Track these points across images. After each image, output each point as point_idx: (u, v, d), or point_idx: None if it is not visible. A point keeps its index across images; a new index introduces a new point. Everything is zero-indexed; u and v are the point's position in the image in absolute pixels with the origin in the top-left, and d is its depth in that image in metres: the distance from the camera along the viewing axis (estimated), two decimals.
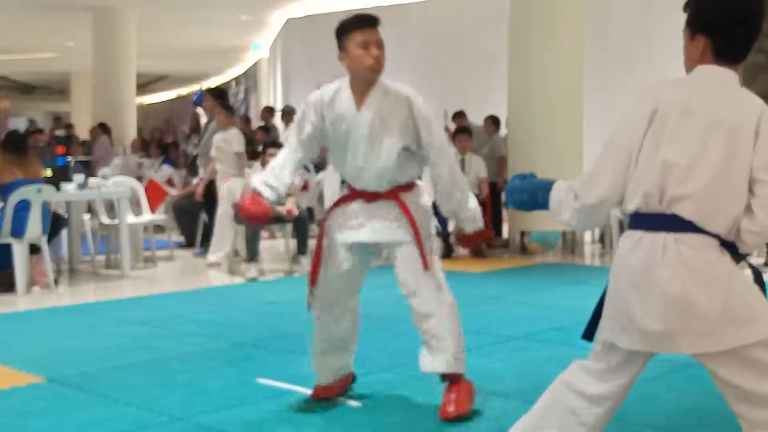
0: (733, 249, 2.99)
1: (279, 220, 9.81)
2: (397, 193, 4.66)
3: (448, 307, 4.70)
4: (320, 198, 13.96)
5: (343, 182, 4.90)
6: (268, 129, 15.36)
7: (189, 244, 12.18)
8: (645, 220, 3.01)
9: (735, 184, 2.94)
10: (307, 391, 4.98)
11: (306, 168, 13.89)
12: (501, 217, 12.03)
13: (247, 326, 6.98)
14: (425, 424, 4.51)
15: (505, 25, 11.98)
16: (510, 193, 3.48)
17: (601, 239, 12.02)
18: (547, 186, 3.35)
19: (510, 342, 6.36)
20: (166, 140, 18.72)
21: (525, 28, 11.54)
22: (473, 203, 4.84)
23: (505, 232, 12.31)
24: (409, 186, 4.72)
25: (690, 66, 3.16)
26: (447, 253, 11.09)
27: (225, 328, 6.89)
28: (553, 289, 8.72)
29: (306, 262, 9.83)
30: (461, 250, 11.69)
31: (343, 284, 4.74)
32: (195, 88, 39.28)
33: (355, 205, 4.70)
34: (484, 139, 13.19)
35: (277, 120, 16.96)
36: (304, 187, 13.09)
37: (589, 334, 3.35)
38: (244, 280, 9.39)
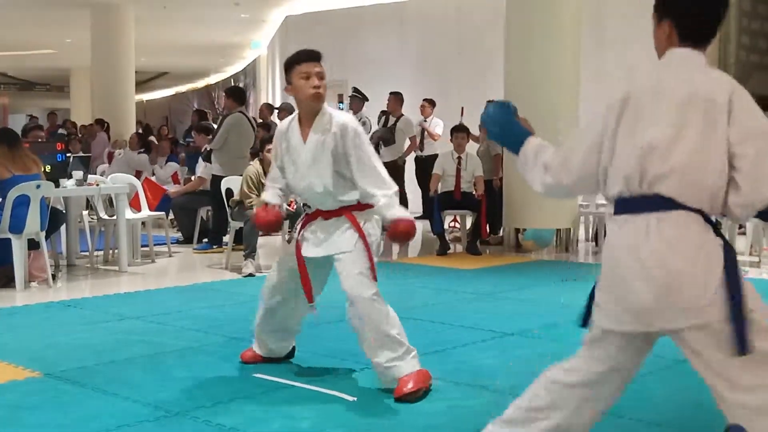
0: (714, 226, 3.05)
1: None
2: (349, 211, 5.07)
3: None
4: None
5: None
6: (267, 126, 15.38)
7: (187, 240, 12.22)
8: (628, 204, 3.08)
9: (714, 158, 2.99)
10: (304, 386, 5.05)
11: None
12: (499, 214, 12.06)
13: (243, 321, 6.98)
14: (420, 418, 4.55)
15: (502, 23, 11.99)
16: (486, 120, 3.52)
17: (595, 237, 12.04)
18: (519, 137, 3.41)
19: (504, 338, 6.40)
20: (166, 137, 18.76)
21: (522, 26, 11.56)
22: (389, 199, 5.04)
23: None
24: (361, 206, 5.09)
25: (660, 51, 3.26)
26: (443, 251, 11.15)
27: (222, 324, 6.94)
28: (547, 287, 8.76)
29: None
30: (457, 248, 11.75)
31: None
32: (194, 85, 39.33)
33: (318, 223, 5.15)
34: (481, 138, 13.25)
35: (275, 117, 16.97)
36: None
37: (584, 321, 3.39)
38: (241, 276, 9.43)
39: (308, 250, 5.13)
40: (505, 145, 3.52)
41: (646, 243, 3.01)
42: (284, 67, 5.17)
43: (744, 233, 11.41)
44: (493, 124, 3.49)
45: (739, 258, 10.36)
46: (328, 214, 5.10)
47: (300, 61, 5.11)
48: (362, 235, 4.99)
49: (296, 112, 5.22)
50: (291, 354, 5.72)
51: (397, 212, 5.00)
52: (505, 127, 3.46)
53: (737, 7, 15.69)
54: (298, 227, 5.26)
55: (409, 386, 4.82)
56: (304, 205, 5.51)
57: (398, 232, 4.96)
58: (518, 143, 3.40)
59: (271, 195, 5.31)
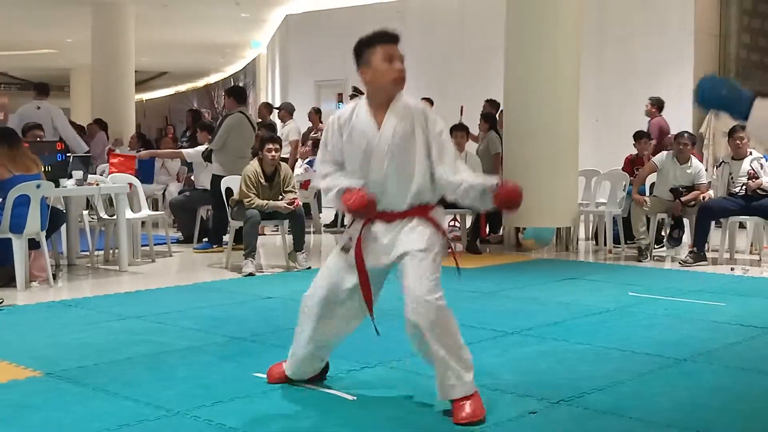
0: None
1: (276, 215, 9.86)
2: (421, 211, 4.65)
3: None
4: (317, 196, 14.07)
5: None
6: (266, 125, 15.40)
7: (187, 239, 12.23)
8: None
9: None
10: (304, 386, 5.06)
11: (314, 167, 13.97)
12: (499, 213, 12.05)
13: (244, 321, 7.03)
14: (420, 418, 4.56)
15: (503, 22, 11.99)
16: (710, 82, 3.46)
17: (595, 236, 12.06)
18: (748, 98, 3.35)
19: (505, 337, 6.40)
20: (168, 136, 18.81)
21: (522, 24, 11.56)
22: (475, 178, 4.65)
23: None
24: (431, 207, 4.70)
25: None
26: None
27: (222, 323, 6.94)
28: (548, 285, 8.77)
29: (302, 258, 9.89)
30: (457, 247, 11.76)
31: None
32: (194, 84, 39.34)
33: (378, 227, 4.67)
34: (480, 137, 13.28)
35: (275, 116, 17.01)
36: (304, 186, 13.18)
37: None
38: (241, 275, 9.44)
39: (374, 260, 4.68)
40: (728, 105, 3.42)
41: None
42: (359, 47, 4.70)
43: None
44: (722, 86, 3.43)
45: (739, 256, 10.48)
46: (392, 216, 4.66)
47: (383, 41, 4.66)
48: (441, 232, 4.65)
49: (359, 98, 4.78)
50: (324, 373, 5.23)
51: (493, 179, 4.62)
52: (733, 93, 3.40)
53: (738, 6, 15.71)
54: (354, 234, 4.72)
55: (466, 412, 4.45)
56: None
57: (510, 197, 4.47)
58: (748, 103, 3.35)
59: (347, 180, 4.66)
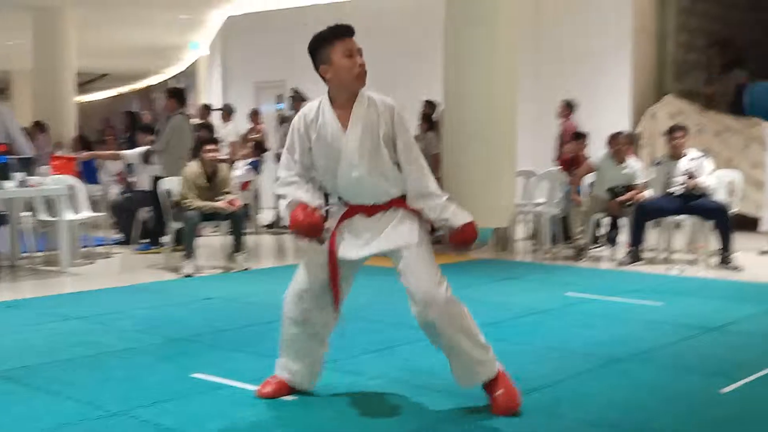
0: None
1: (216, 216, 9.86)
2: (400, 203, 4.61)
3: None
4: (257, 196, 14.08)
5: (332, 197, 4.78)
6: (204, 126, 15.38)
7: (127, 241, 12.18)
8: None
9: None
10: (243, 386, 5.06)
11: (254, 168, 13.98)
12: None
13: (183, 322, 7.03)
14: (358, 418, 4.58)
15: (441, 23, 12.05)
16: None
17: (533, 236, 12.15)
18: None
19: None
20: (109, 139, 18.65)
21: (460, 26, 11.61)
22: (448, 202, 4.69)
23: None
24: (404, 198, 4.63)
25: None
26: None
27: (161, 324, 6.93)
28: (486, 286, 8.82)
29: (242, 259, 9.88)
30: None
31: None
32: (134, 86, 39.03)
33: (358, 220, 4.60)
34: (418, 137, 13.33)
35: (215, 118, 17.00)
36: (244, 186, 13.17)
37: None
38: (180, 276, 9.42)
39: (351, 252, 4.57)
40: None
41: None
42: (315, 45, 4.56)
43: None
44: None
45: (676, 256, 10.59)
46: (372, 210, 4.58)
47: (341, 37, 4.53)
48: (427, 224, 4.62)
49: (322, 97, 4.64)
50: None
51: (462, 216, 4.62)
52: None
53: (676, 5, 15.84)
54: (330, 226, 4.61)
55: (501, 405, 4.56)
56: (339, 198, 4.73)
57: (466, 239, 4.59)
58: None
59: (307, 193, 4.57)
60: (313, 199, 4.55)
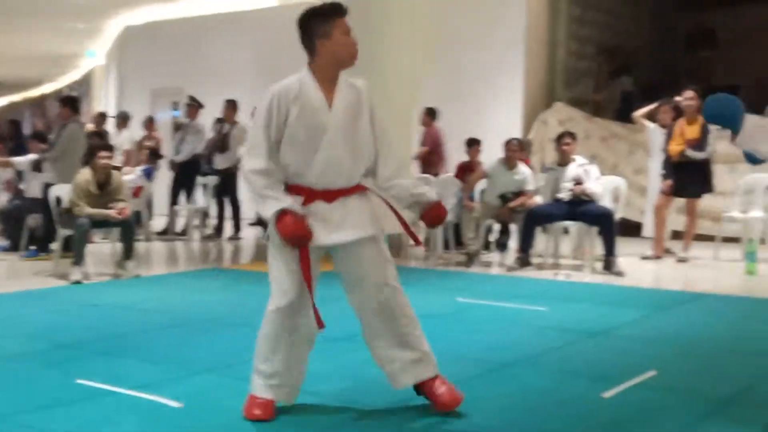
0: None
1: (107, 223, 9.74)
2: (359, 188, 4.59)
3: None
4: (149, 204, 13.95)
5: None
6: (100, 134, 15.21)
7: (14, 247, 11.97)
8: None
9: None
10: (129, 392, 5.00)
11: (147, 175, 13.82)
12: None
13: (69, 328, 6.92)
14: (245, 425, 4.55)
15: None
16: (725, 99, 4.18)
17: (426, 241, 12.19)
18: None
19: (334, 343, 6.36)
20: None
21: (360, 34, 11.61)
22: (419, 182, 4.80)
23: None
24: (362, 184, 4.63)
25: None
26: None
27: (48, 330, 6.82)
28: None
29: (132, 266, 9.76)
30: None
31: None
32: (29, 94, 38.40)
33: (320, 206, 4.50)
34: None
35: (110, 125, 16.81)
36: (136, 193, 13.02)
37: None
38: (69, 283, 9.28)
39: (322, 238, 4.46)
40: (726, 114, 4.17)
41: None
42: (313, 18, 4.49)
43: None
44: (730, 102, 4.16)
45: (563, 261, 10.77)
46: (334, 195, 4.49)
47: (341, 14, 4.52)
48: (398, 214, 4.69)
49: (302, 72, 4.55)
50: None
51: (432, 193, 4.71)
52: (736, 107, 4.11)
53: (566, 14, 16.07)
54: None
55: (446, 399, 4.63)
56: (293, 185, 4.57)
57: (440, 214, 4.69)
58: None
59: (289, 199, 4.42)
60: (298, 206, 4.41)
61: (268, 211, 4.39)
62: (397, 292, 4.65)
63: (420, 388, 4.74)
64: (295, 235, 4.34)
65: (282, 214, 4.35)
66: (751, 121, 4.11)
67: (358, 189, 4.58)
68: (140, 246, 11.69)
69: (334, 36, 4.48)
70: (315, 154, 4.42)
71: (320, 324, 4.57)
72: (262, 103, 4.47)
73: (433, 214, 4.69)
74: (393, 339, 4.67)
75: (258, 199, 4.46)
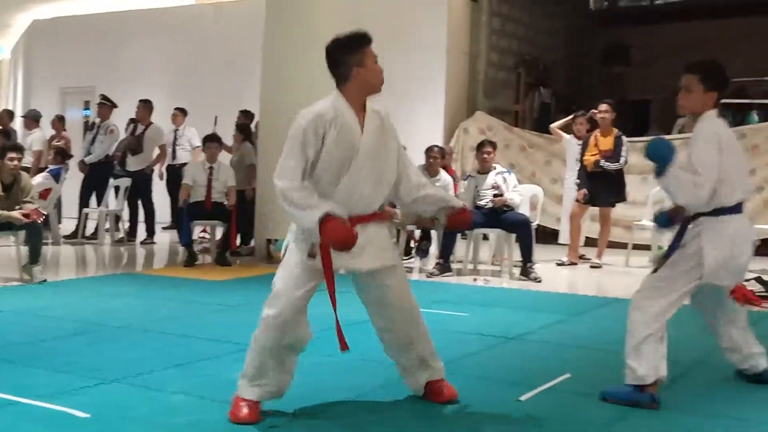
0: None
1: (11, 226, 9.43)
2: (379, 215, 4.76)
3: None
4: (57, 206, 13.60)
5: None
6: (7, 133, 14.78)
7: None
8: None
9: None
10: (32, 402, 4.79)
11: (56, 176, 13.45)
12: (252, 225, 11.94)
13: None
14: None
15: (260, 33, 11.90)
16: (662, 143, 4.82)
17: None
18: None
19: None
20: None
21: (278, 36, 11.49)
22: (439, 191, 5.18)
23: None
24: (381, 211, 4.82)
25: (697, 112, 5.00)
26: (190, 262, 10.92)
27: None
28: None
29: (38, 271, 9.43)
30: (206, 258, 11.57)
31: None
32: None
33: None
34: (234, 148, 13.17)
35: (16, 124, 16.38)
36: (43, 195, 12.66)
37: None
38: None
39: (343, 263, 4.60)
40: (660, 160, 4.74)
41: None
42: (350, 46, 4.70)
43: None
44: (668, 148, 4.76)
45: (482, 267, 10.75)
46: (355, 221, 4.54)
47: (370, 43, 4.74)
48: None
49: (334, 97, 4.71)
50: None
51: (458, 200, 5.08)
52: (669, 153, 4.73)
53: (487, 25, 16.27)
54: (315, 240, 4.49)
55: (447, 392, 5.04)
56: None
57: (466, 219, 4.98)
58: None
59: (330, 204, 4.45)
60: (340, 209, 4.46)
61: (312, 219, 4.41)
62: (417, 313, 4.99)
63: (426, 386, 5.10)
64: (343, 238, 4.38)
65: (326, 219, 4.37)
66: (672, 172, 4.73)
67: (376, 216, 4.71)
68: (47, 250, 11.37)
69: (367, 63, 4.69)
70: (342, 177, 4.55)
71: (344, 346, 4.75)
72: (295, 126, 4.61)
73: (459, 218, 4.95)
74: (415, 360, 5.06)
75: (298, 212, 4.48)
